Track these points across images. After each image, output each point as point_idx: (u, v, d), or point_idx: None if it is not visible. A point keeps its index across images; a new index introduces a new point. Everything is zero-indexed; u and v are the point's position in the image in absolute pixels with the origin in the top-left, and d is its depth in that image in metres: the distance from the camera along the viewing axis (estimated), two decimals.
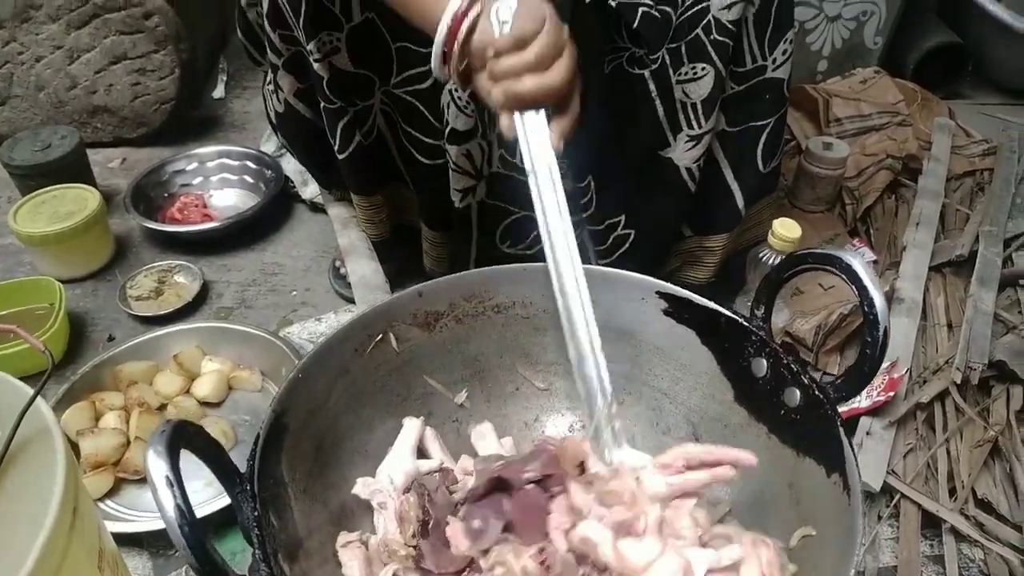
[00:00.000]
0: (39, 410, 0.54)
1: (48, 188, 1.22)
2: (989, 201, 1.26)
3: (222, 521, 0.83)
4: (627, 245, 0.92)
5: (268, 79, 0.96)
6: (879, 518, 0.86)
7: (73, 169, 1.28)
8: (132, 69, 1.43)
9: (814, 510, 0.58)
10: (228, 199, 1.38)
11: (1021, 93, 1.66)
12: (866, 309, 0.58)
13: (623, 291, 0.74)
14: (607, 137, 0.85)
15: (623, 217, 0.91)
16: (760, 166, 0.91)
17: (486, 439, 0.75)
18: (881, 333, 0.57)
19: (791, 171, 1.29)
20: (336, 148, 0.90)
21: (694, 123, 0.83)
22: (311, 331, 1.10)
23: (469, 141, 0.82)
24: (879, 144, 1.34)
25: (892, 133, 1.37)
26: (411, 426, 0.73)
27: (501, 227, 0.95)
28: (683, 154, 0.85)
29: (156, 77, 1.44)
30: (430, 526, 0.64)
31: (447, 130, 0.81)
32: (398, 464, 0.70)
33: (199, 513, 0.79)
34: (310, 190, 1.31)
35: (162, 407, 0.96)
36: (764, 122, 0.88)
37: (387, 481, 0.68)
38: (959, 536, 0.84)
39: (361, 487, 0.68)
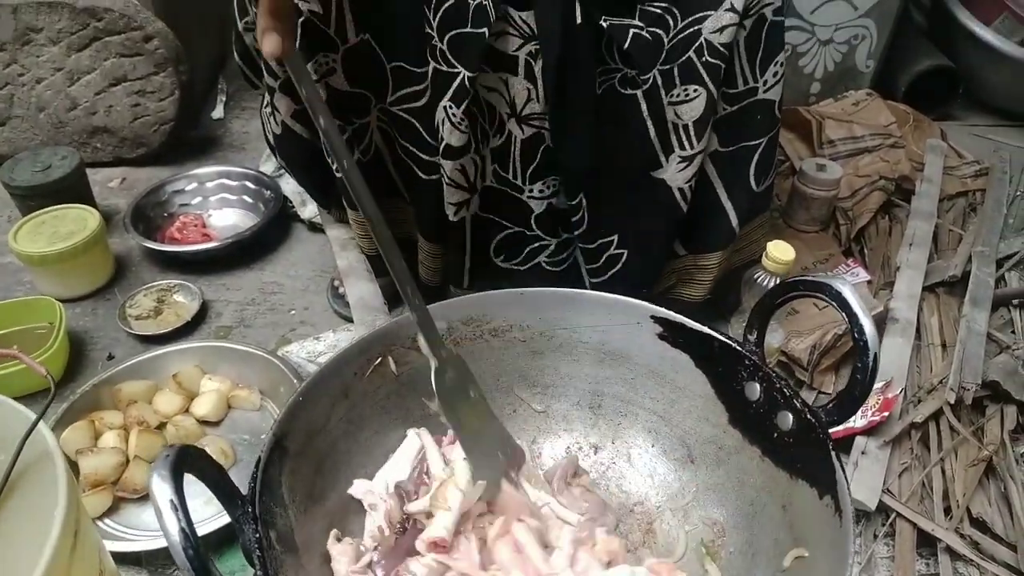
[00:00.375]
0: (41, 434, 0.54)
1: (48, 208, 1.22)
2: (981, 222, 1.28)
3: (223, 539, 0.83)
4: (620, 265, 0.93)
5: (265, 101, 0.97)
6: (875, 537, 0.87)
7: (73, 189, 1.28)
8: (132, 91, 1.44)
9: (806, 532, 0.59)
10: (227, 219, 1.39)
11: (1012, 114, 1.68)
12: (856, 335, 0.59)
13: (618, 315, 0.75)
14: (599, 156, 0.86)
15: (616, 237, 0.92)
16: (753, 185, 0.92)
17: None
18: (871, 359, 0.58)
19: (785, 192, 1.30)
20: (335, 168, 0.91)
21: (686, 144, 0.84)
22: (310, 350, 1.10)
23: (463, 156, 0.83)
24: (872, 165, 1.36)
25: (885, 155, 1.38)
26: (413, 438, 0.74)
27: (495, 241, 0.96)
28: (675, 174, 0.86)
29: (156, 98, 1.46)
30: (410, 527, 0.65)
31: (442, 146, 0.82)
32: (395, 471, 0.70)
33: (200, 532, 0.80)
34: (309, 210, 1.32)
35: (161, 426, 0.96)
36: (756, 142, 0.89)
37: (382, 486, 0.69)
38: (954, 555, 0.85)
39: (356, 487, 0.69)
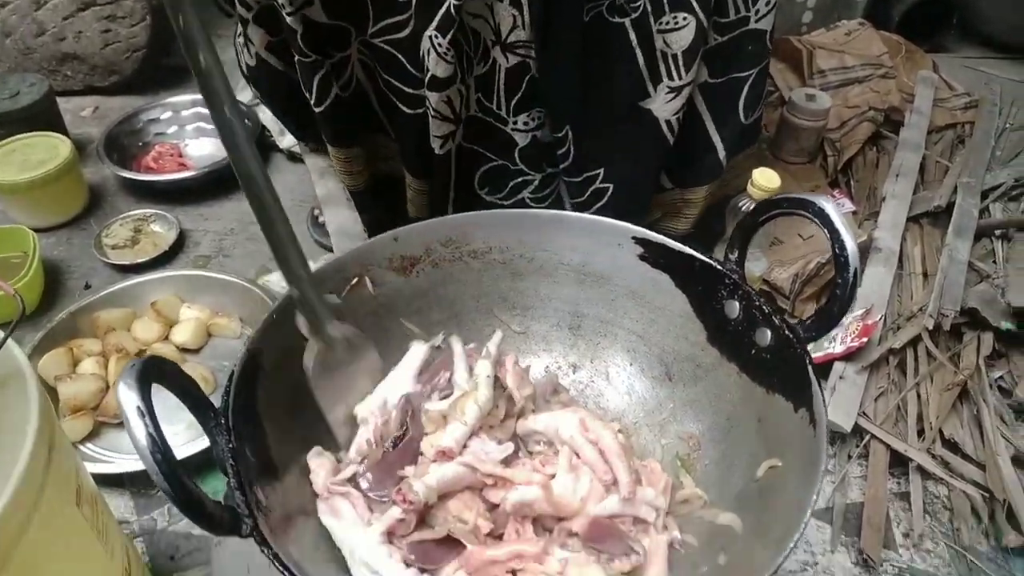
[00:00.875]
0: (11, 354, 0.53)
1: (18, 136, 1.19)
2: (969, 153, 1.27)
3: (202, 463, 0.84)
4: (605, 199, 0.92)
5: (238, 31, 0.94)
6: (849, 458, 0.88)
7: (43, 117, 1.25)
8: (102, 16, 1.39)
9: (781, 444, 0.60)
10: (204, 148, 1.36)
11: (1005, 47, 1.66)
12: (837, 251, 0.58)
13: (600, 237, 0.74)
14: (585, 87, 0.84)
15: (601, 171, 0.90)
16: (742, 117, 0.90)
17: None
18: (851, 275, 0.58)
19: (773, 123, 1.28)
20: (312, 101, 0.88)
21: (675, 74, 0.82)
22: None
23: (449, 87, 0.81)
24: (862, 96, 1.34)
25: (875, 85, 1.36)
26: (416, 350, 0.73)
27: (479, 173, 0.94)
28: (663, 106, 0.84)
29: (127, 24, 1.41)
30: (402, 442, 0.65)
31: (427, 77, 0.80)
32: (395, 386, 0.70)
33: (180, 454, 0.81)
34: (287, 139, 1.29)
35: (140, 353, 0.96)
36: (746, 73, 0.87)
37: (380, 402, 0.69)
38: (925, 474, 0.87)
39: (360, 408, 0.69)
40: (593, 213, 0.92)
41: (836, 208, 0.60)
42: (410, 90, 0.84)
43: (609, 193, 0.91)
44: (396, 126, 0.93)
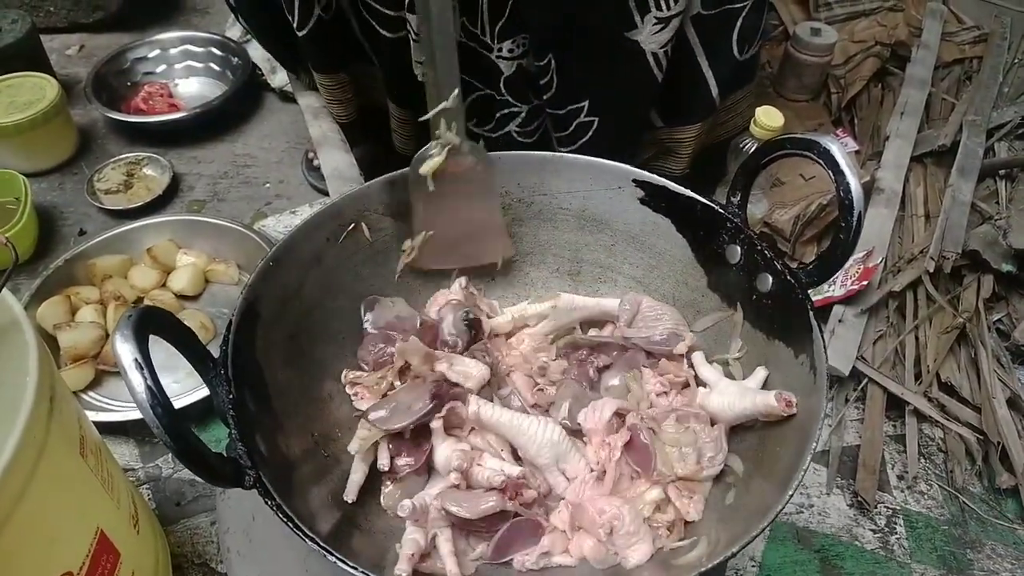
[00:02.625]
0: (7, 304, 0.53)
1: (2, 77, 1.16)
2: (976, 90, 1.24)
3: (204, 412, 0.84)
4: (590, 133, 0.89)
5: None
6: (846, 401, 0.89)
7: (27, 56, 1.21)
8: None
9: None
10: (194, 88, 1.32)
11: None
12: (841, 194, 0.57)
13: (599, 179, 0.73)
14: (569, 13, 0.80)
15: (586, 103, 0.87)
16: (736, 53, 0.87)
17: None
18: (855, 218, 0.57)
19: (777, 59, 1.25)
20: (295, 25, 0.85)
21: (663, 4, 0.78)
22: (287, 224, 1.08)
23: None
24: (868, 30, 1.30)
25: (882, 19, 1.32)
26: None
27: (466, 103, 0.91)
28: (650, 37, 0.81)
29: None
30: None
31: None
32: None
33: (180, 403, 0.81)
34: (279, 78, 1.26)
35: (138, 300, 0.95)
36: (741, 4, 0.83)
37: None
38: (921, 417, 0.88)
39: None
40: (578, 148, 0.90)
41: (841, 149, 0.58)
42: (391, 12, 0.81)
43: (594, 127, 0.89)
44: (377, 51, 0.90)
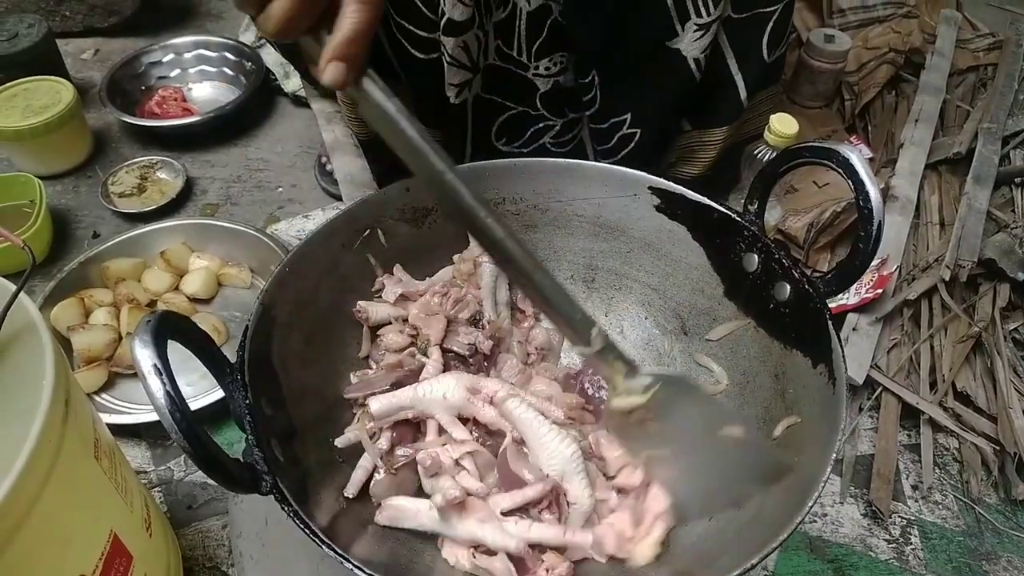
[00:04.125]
0: (23, 306, 0.53)
1: (19, 81, 1.17)
2: (991, 98, 1.23)
3: (218, 413, 0.85)
4: (633, 144, 0.90)
5: None
6: (860, 410, 0.88)
7: (44, 60, 1.22)
8: None
9: (799, 400, 0.59)
10: (207, 92, 1.33)
11: None
12: (861, 203, 0.57)
13: (615, 187, 0.73)
14: (611, 28, 0.81)
15: (629, 116, 0.88)
16: (765, 55, 0.87)
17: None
18: (875, 228, 0.56)
19: (790, 65, 1.25)
20: None
21: (703, 10, 0.79)
22: (299, 228, 1.08)
23: (466, 32, 0.78)
24: (882, 37, 1.30)
25: (897, 25, 1.32)
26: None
27: (497, 124, 0.92)
28: (691, 44, 0.81)
29: None
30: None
31: (443, 21, 0.77)
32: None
33: (195, 405, 0.81)
34: (292, 83, 1.26)
35: (151, 304, 0.96)
36: (771, 8, 0.84)
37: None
38: (936, 427, 0.87)
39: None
40: (619, 160, 0.91)
41: (861, 158, 0.58)
42: (424, 34, 0.81)
43: (636, 138, 0.89)
44: (409, 72, 0.90)
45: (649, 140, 0.90)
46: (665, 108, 0.89)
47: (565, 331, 0.58)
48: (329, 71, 0.47)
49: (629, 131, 0.89)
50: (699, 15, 0.79)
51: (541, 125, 0.90)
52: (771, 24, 0.84)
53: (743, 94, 0.89)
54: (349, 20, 0.47)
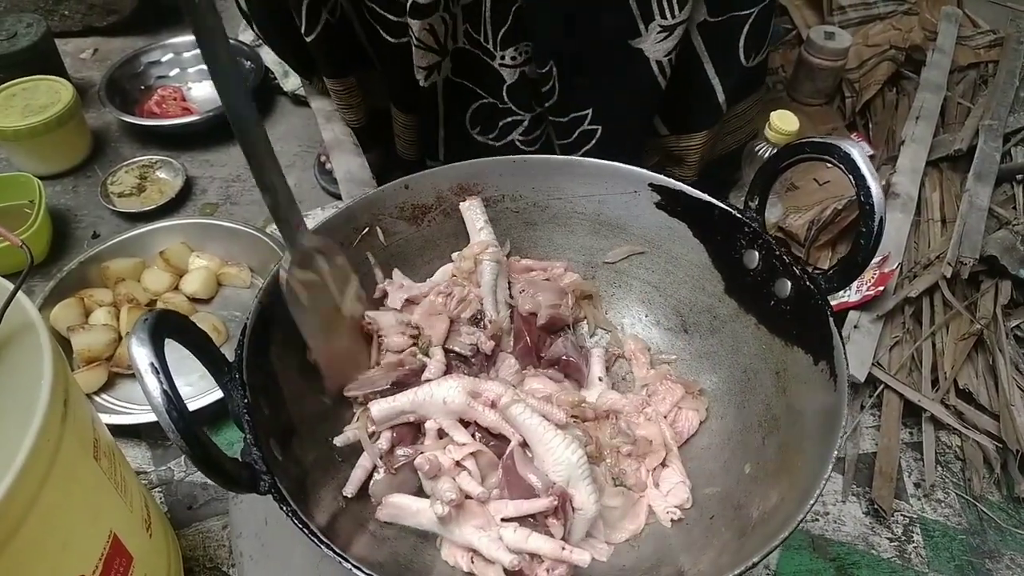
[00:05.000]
0: (21, 306, 0.53)
1: (17, 80, 1.16)
2: (992, 94, 1.23)
3: (217, 413, 0.84)
4: (593, 141, 0.89)
5: None
6: (861, 407, 0.88)
7: (43, 60, 1.22)
8: None
9: (799, 397, 0.59)
10: (207, 91, 1.33)
11: None
12: (862, 199, 0.57)
13: (615, 183, 0.73)
14: (571, 20, 0.80)
15: (590, 111, 0.87)
16: (743, 60, 0.86)
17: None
18: (876, 224, 0.56)
19: (790, 63, 1.25)
20: (303, 29, 0.86)
21: (667, 12, 0.78)
22: None
23: (432, 15, 0.78)
24: (883, 34, 1.29)
25: (897, 22, 1.32)
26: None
27: (470, 111, 0.91)
28: (654, 45, 0.80)
29: None
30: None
31: (408, 4, 0.77)
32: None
33: (194, 405, 0.81)
34: (291, 82, 1.26)
35: (151, 303, 0.95)
36: (748, 11, 0.82)
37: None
38: (938, 424, 0.87)
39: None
40: (581, 155, 0.89)
41: (862, 153, 0.58)
42: (393, 17, 0.81)
43: (597, 136, 0.88)
44: (381, 57, 0.90)
45: (614, 138, 0.89)
46: (629, 108, 0.88)
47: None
48: None
49: (590, 127, 0.88)
50: (663, 16, 0.77)
51: (510, 119, 0.90)
52: (748, 27, 0.83)
53: (722, 99, 0.88)
54: None
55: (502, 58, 0.83)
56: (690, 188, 0.69)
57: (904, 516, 0.80)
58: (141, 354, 0.43)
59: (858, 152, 0.56)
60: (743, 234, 0.66)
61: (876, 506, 0.80)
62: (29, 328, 0.52)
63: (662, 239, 0.72)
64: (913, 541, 0.78)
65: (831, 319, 0.57)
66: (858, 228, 0.57)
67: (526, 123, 0.90)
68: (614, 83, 0.85)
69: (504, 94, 0.87)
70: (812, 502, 0.47)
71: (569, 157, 0.74)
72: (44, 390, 0.47)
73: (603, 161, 0.72)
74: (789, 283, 0.62)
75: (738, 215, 0.66)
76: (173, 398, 0.43)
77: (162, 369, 0.43)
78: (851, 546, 0.77)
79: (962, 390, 0.88)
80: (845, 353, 0.55)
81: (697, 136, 0.93)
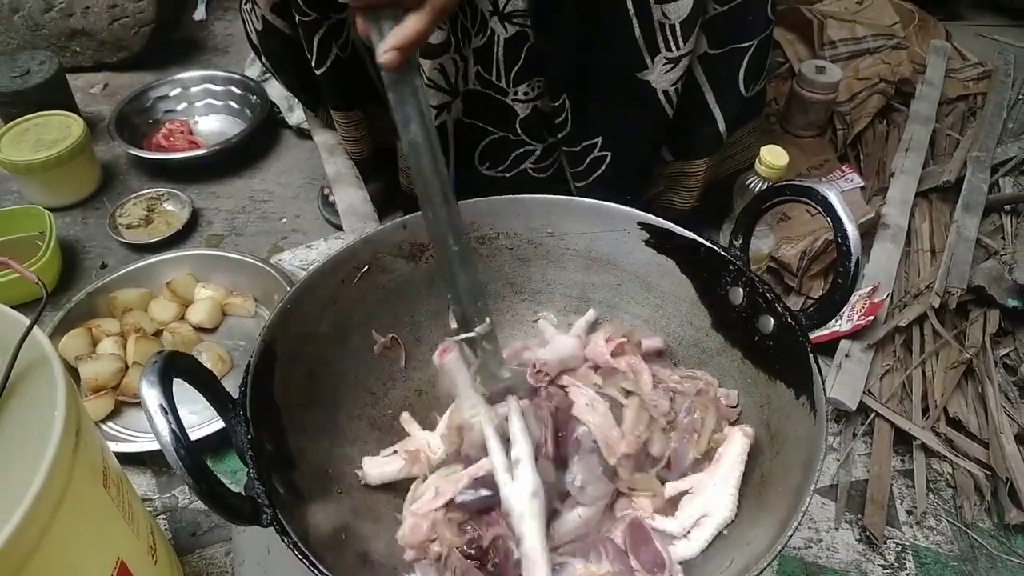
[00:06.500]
0: (36, 339, 0.55)
1: (30, 116, 1.20)
2: (980, 126, 1.26)
3: (221, 441, 0.86)
4: (604, 168, 0.92)
5: None
6: (854, 435, 0.90)
7: (54, 95, 1.26)
8: None
9: (782, 429, 0.61)
10: (213, 125, 1.36)
11: (1020, 13, 1.63)
12: (839, 240, 0.59)
13: (606, 222, 0.75)
14: (582, 56, 0.83)
15: (599, 139, 0.90)
16: (743, 90, 0.90)
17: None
18: (853, 264, 0.58)
19: (783, 96, 1.27)
20: (314, 63, 0.89)
21: (672, 45, 0.81)
22: (302, 258, 1.11)
23: (442, 55, 0.81)
24: (873, 68, 1.32)
25: (887, 56, 1.35)
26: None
27: (479, 148, 0.94)
28: (661, 76, 0.84)
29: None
30: None
31: None
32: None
33: (197, 435, 0.83)
34: (296, 116, 1.30)
35: (158, 333, 0.98)
36: (747, 44, 0.86)
37: None
38: (929, 452, 0.88)
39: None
40: (592, 182, 0.93)
41: (839, 196, 0.60)
42: None
43: (607, 162, 0.91)
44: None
45: (624, 164, 0.92)
46: (637, 135, 0.91)
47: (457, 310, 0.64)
48: (387, 56, 0.54)
49: (600, 154, 0.91)
50: (669, 49, 0.81)
51: (522, 150, 0.93)
52: (747, 60, 0.87)
53: (722, 127, 0.91)
54: (414, 21, 0.54)
55: (515, 94, 0.87)
56: (676, 227, 0.71)
57: (896, 543, 0.81)
58: (151, 395, 0.46)
59: (834, 195, 0.59)
60: (728, 271, 0.68)
61: (868, 533, 0.81)
62: (43, 361, 0.54)
63: (651, 275, 0.75)
64: (906, 568, 0.79)
65: (811, 355, 0.59)
66: (836, 268, 0.59)
67: (538, 152, 0.94)
68: (623, 113, 0.88)
69: (517, 127, 0.90)
70: (790, 532, 0.49)
71: (560, 196, 0.76)
72: (58, 421, 0.49)
73: (593, 200, 0.75)
74: (772, 319, 0.64)
75: (723, 253, 0.68)
76: (181, 437, 0.45)
77: (171, 409, 0.45)
78: (844, 573, 0.78)
79: (952, 418, 0.90)
80: (825, 389, 0.57)
81: (699, 163, 0.96)
